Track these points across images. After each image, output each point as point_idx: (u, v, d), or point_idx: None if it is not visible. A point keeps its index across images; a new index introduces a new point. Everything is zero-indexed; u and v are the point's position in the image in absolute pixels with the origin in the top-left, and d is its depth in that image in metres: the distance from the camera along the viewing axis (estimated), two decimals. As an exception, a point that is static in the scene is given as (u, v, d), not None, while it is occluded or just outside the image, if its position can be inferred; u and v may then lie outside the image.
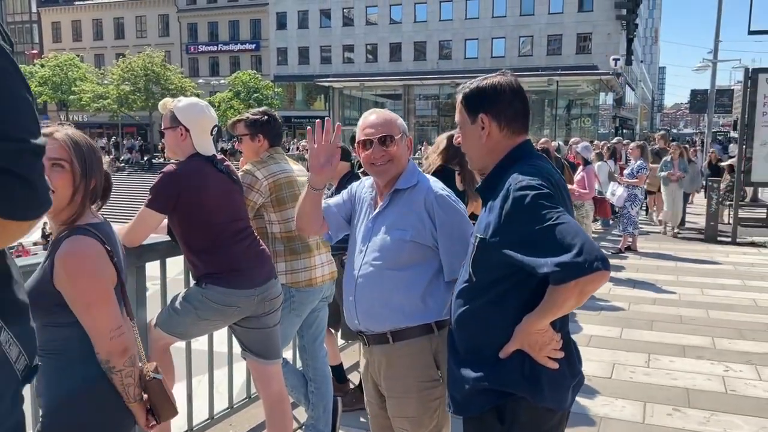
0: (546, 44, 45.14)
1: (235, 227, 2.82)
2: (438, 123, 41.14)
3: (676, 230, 11.23)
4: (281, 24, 52.29)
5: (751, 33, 8.84)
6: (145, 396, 1.90)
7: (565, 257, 1.61)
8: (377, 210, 2.31)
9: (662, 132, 14.92)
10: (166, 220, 2.79)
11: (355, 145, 2.33)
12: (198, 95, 44.95)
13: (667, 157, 11.25)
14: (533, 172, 1.79)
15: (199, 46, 55.60)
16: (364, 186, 2.47)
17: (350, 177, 3.95)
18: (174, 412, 1.98)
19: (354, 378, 4.39)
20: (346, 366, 4.38)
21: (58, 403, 1.80)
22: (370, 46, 49.93)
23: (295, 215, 2.47)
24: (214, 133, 2.86)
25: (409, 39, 48.65)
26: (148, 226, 2.70)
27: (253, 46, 53.71)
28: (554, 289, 1.69)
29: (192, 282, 2.90)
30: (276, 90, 47.12)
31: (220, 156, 2.89)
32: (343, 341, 4.60)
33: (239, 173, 3.08)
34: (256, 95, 44.32)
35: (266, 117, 3.25)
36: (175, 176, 2.68)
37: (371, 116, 2.31)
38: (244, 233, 2.86)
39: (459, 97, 1.96)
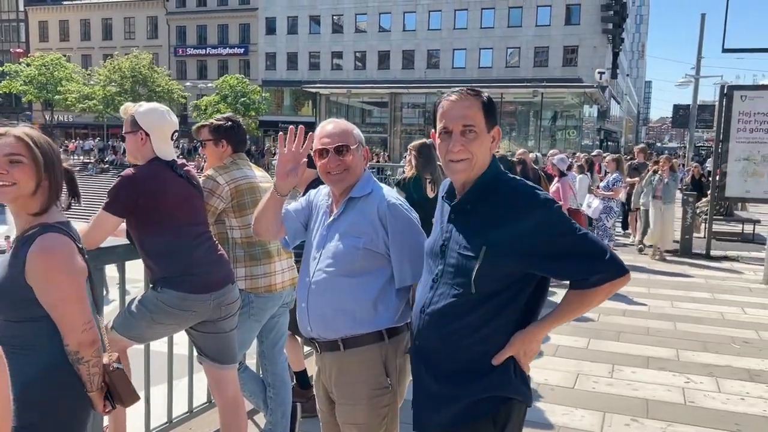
0: (533, 56, 45.60)
1: (193, 232, 2.84)
2: (424, 131, 41.22)
3: (664, 253, 10.10)
4: (270, 29, 52.34)
5: (725, 51, 9.02)
6: (107, 384, 2.02)
7: (603, 262, 1.80)
8: (332, 217, 2.34)
9: (641, 145, 14.44)
10: (125, 224, 2.81)
11: (312, 153, 2.36)
12: (185, 98, 45.16)
13: (654, 170, 10.43)
14: (533, 186, 1.91)
15: (188, 49, 55.47)
16: (321, 193, 2.50)
17: (316, 184, 3.97)
18: (137, 397, 2.12)
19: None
20: (310, 372, 4.39)
21: (21, 390, 1.84)
22: (358, 53, 50.14)
23: (254, 218, 2.47)
24: (174, 138, 2.89)
25: (397, 47, 48.92)
26: (106, 229, 2.72)
27: (242, 51, 53.68)
28: (583, 293, 1.83)
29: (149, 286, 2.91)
30: (263, 95, 47.09)
31: (180, 161, 2.91)
32: (309, 348, 4.61)
33: (201, 178, 3.10)
34: (243, 99, 44.29)
35: (230, 123, 3.28)
36: (134, 180, 2.70)
37: (328, 126, 2.34)
38: (202, 238, 2.87)
39: (477, 100, 1.90)
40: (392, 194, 2.33)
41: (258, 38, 52.72)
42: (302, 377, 4.19)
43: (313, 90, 44.08)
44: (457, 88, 1.92)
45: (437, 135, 1.93)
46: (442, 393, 1.91)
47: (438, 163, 5.29)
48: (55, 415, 1.92)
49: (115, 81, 44.25)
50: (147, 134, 2.78)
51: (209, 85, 48.17)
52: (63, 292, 1.88)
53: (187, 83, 50.92)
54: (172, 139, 2.87)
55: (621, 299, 7.28)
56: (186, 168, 2.93)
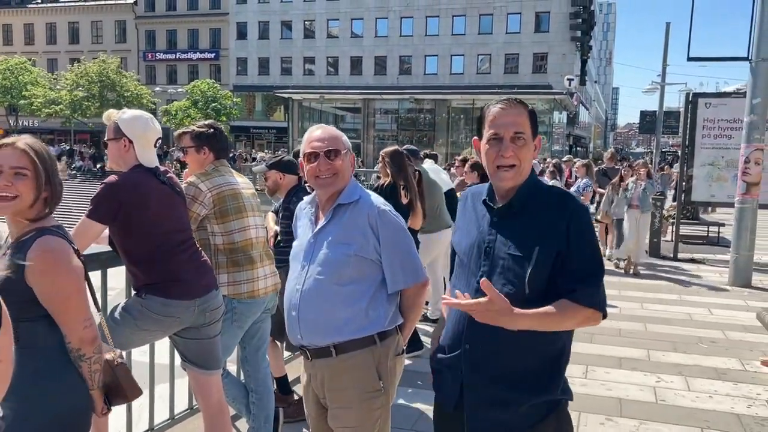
0: (503, 62, 46.19)
1: (177, 238, 2.86)
2: (397, 137, 41.41)
3: (638, 267, 9.47)
4: (242, 34, 52.07)
5: (690, 60, 9.29)
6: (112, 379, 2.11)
7: (600, 288, 1.89)
8: (319, 226, 2.35)
9: (611, 150, 13.80)
10: (107, 231, 2.81)
11: (300, 158, 2.38)
12: (155, 103, 44.57)
13: (631, 179, 9.77)
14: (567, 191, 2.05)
15: (157, 54, 54.83)
16: (301, 206, 2.53)
17: (297, 190, 4.01)
18: (139, 391, 2.24)
19: (298, 389, 4.42)
20: (290, 378, 4.41)
21: (21, 389, 1.84)
22: (331, 58, 50.17)
23: None
24: (157, 145, 2.90)
25: (369, 53, 49.09)
26: (89, 236, 2.71)
27: (213, 55, 53.27)
28: (576, 307, 1.85)
29: (132, 292, 2.91)
30: (235, 100, 46.78)
31: (163, 168, 2.93)
32: (289, 353, 4.63)
33: (183, 185, 3.12)
34: (214, 105, 43.90)
35: (212, 130, 3.30)
36: (117, 187, 2.70)
37: (317, 131, 2.37)
38: (185, 244, 2.89)
39: (525, 109, 1.97)
40: (380, 201, 2.37)
41: (229, 43, 52.39)
42: (283, 383, 4.22)
43: (286, 95, 43.95)
44: (504, 97, 2.00)
45: (485, 142, 1.97)
46: (500, 396, 1.92)
47: (416, 169, 5.37)
48: (56, 414, 1.94)
49: (82, 86, 43.48)
50: (130, 141, 2.79)
51: (179, 90, 47.62)
52: (63, 291, 1.94)
53: (157, 88, 50.28)
54: (155, 147, 2.89)
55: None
56: (169, 175, 2.94)
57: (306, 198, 2.53)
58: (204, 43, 53.73)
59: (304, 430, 3.92)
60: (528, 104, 2.01)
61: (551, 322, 1.86)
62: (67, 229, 2.10)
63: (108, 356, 2.13)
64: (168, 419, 3.63)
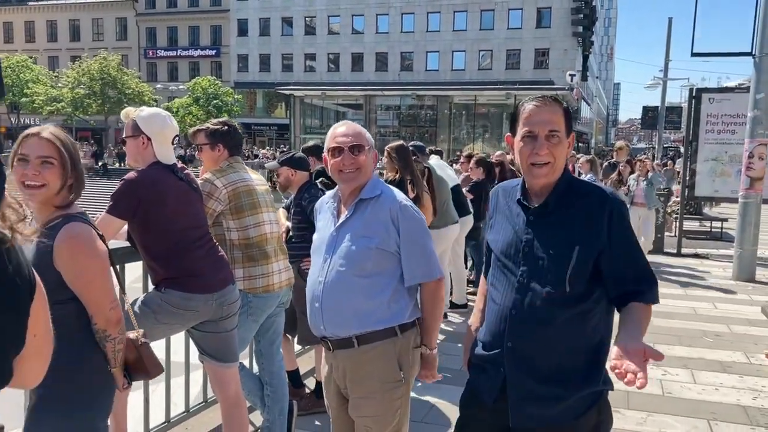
0: (505, 58, 46.15)
1: (194, 234, 2.90)
2: (399, 133, 41.47)
3: None
4: (242, 30, 52.06)
5: (693, 55, 9.32)
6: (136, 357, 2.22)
7: (655, 282, 1.94)
8: (341, 219, 2.40)
9: (623, 142, 12.37)
10: (126, 226, 2.86)
11: (324, 153, 2.43)
12: (156, 100, 44.60)
13: (632, 176, 9.53)
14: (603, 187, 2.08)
15: (158, 51, 54.85)
16: (323, 200, 2.59)
17: (308, 186, 4.06)
18: (161, 369, 2.36)
19: (309, 383, 4.49)
20: (302, 371, 4.47)
21: (56, 373, 1.88)
22: (332, 55, 50.15)
23: None
24: (175, 142, 2.95)
25: (371, 50, 49.06)
26: (109, 232, 2.75)
27: (214, 52, 53.29)
28: (645, 307, 1.91)
29: (150, 287, 2.97)
30: (236, 97, 46.81)
31: (180, 164, 2.97)
32: (300, 347, 4.69)
33: (199, 181, 3.17)
34: (215, 101, 43.96)
35: (226, 127, 3.35)
36: (136, 183, 2.75)
37: (342, 127, 2.42)
38: (203, 240, 2.94)
39: (560, 107, 1.99)
40: (402, 196, 2.43)
41: (230, 40, 52.38)
42: (295, 376, 4.27)
43: (287, 92, 43.99)
44: (539, 94, 2.01)
45: (519, 139, 1.98)
46: (544, 392, 1.95)
47: (422, 164, 5.41)
48: (82, 391, 2.03)
49: (83, 83, 43.52)
50: (148, 138, 2.83)
51: (181, 87, 47.69)
52: (91, 274, 2.02)
53: (158, 85, 50.36)
54: (172, 144, 2.93)
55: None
56: (186, 171, 2.99)
57: (328, 192, 2.58)
58: (205, 40, 53.73)
59: (316, 422, 3.98)
60: (563, 102, 2.04)
61: (645, 328, 1.92)
62: None
63: (132, 335, 2.22)
64: (183, 412, 3.69)
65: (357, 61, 49.54)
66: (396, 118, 46.79)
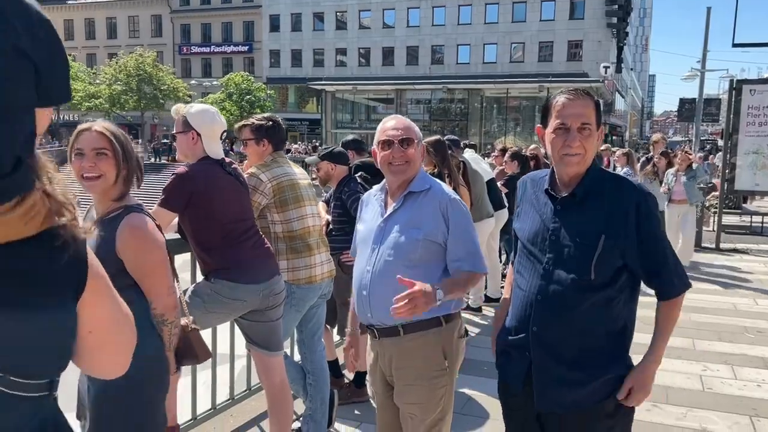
0: (537, 51, 45.56)
1: (242, 226, 3.00)
2: (430, 127, 41.38)
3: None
4: (274, 26, 52.40)
5: (735, 46, 9.13)
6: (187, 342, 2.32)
7: (680, 270, 2.01)
8: (390, 211, 2.47)
9: (659, 135, 11.91)
10: (176, 219, 2.97)
11: (374, 146, 2.50)
12: (190, 96, 45.25)
13: (670, 170, 8.84)
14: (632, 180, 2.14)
15: (192, 47, 55.63)
16: (371, 193, 2.66)
17: (348, 180, 4.13)
18: (209, 354, 2.49)
19: (349, 374, 4.56)
20: (341, 362, 4.55)
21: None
22: (362, 49, 50.16)
23: None
24: (223, 137, 3.04)
25: (401, 44, 48.92)
26: (161, 224, 2.87)
27: (246, 48, 53.81)
28: (672, 303, 2.04)
29: (199, 277, 3.07)
30: (268, 92, 47.23)
31: (228, 159, 3.07)
32: (339, 338, 4.77)
33: (245, 175, 3.26)
34: (248, 97, 44.40)
35: (271, 122, 3.43)
36: (187, 177, 2.85)
37: (392, 121, 2.48)
38: (250, 232, 3.03)
39: (591, 101, 2.05)
40: (451, 190, 2.49)
41: (262, 36, 52.81)
42: (334, 367, 4.35)
43: (319, 87, 44.19)
44: (572, 87, 2.09)
45: (551, 130, 2.06)
46: (568, 375, 2.03)
47: (457, 158, 5.44)
48: (143, 374, 2.08)
49: (120, 80, 44.39)
50: (198, 134, 2.93)
51: (214, 83, 48.30)
52: (152, 262, 2.15)
53: (192, 81, 51.06)
54: (220, 139, 3.03)
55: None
56: (233, 166, 3.08)
57: (376, 186, 2.64)
58: (238, 36, 54.30)
59: (356, 411, 4.06)
60: (594, 95, 2.08)
61: (672, 325, 2.07)
62: None
63: (182, 322, 2.34)
64: (228, 399, 3.81)
65: (388, 55, 49.47)
66: (427, 112, 46.66)
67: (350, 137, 4.97)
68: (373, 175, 4.48)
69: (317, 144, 38.69)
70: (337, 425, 3.80)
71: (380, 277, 2.39)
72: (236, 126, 3.51)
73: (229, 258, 2.92)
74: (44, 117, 1.10)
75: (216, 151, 2.98)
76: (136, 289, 2.13)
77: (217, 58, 55.20)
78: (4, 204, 0.99)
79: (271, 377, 3.14)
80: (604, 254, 1.96)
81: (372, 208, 2.59)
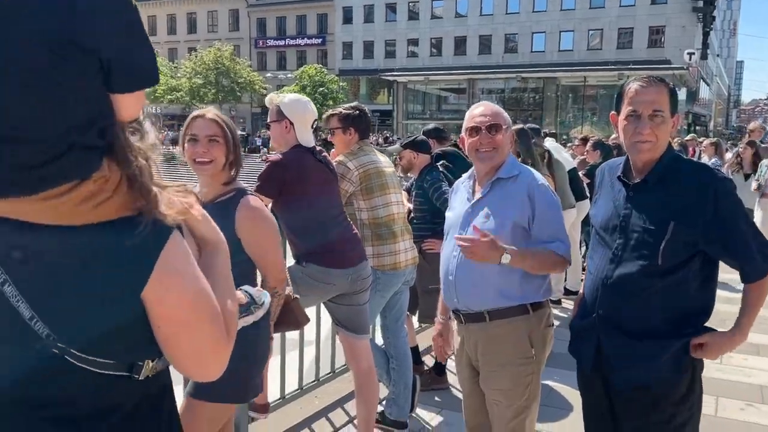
0: (616, 37, 43.96)
1: (332, 212, 3.09)
2: (502, 118, 40.72)
3: None
4: (347, 18, 52.86)
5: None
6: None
7: (766, 251, 2.00)
8: (477, 197, 2.48)
9: (757, 123, 10.67)
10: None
11: (462, 133, 2.52)
12: (266, 89, 46.34)
13: (764, 162, 7.76)
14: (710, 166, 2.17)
15: (268, 41, 56.90)
16: (460, 180, 2.68)
17: (430, 169, 4.16)
18: (308, 319, 2.65)
19: (428, 360, 4.61)
20: (421, 349, 4.60)
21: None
22: (434, 39, 49.85)
23: None
24: (314, 126, 3.13)
25: (474, 33, 48.28)
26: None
27: (320, 41, 54.55)
28: (758, 285, 2.02)
29: (290, 261, 3.18)
30: (341, 84, 47.76)
31: (318, 147, 3.16)
32: (419, 325, 4.82)
33: (333, 163, 3.34)
34: (321, 89, 45.06)
35: (357, 111, 3.50)
36: (281, 165, 2.96)
37: (480, 107, 2.50)
38: (339, 218, 3.12)
39: (665, 88, 2.05)
40: (540, 177, 2.47)
41: (335, 28, 53.40)
42: (414, 353, 4.40)
43: (391, 78, 44.28)
44: (645, 75, 2.08)
45: (623, 117, 2.07)
46: (638, 352, 2.07)
47: (541, 147, 5.36)
48: (252, 344, 2.23)
49: (200, 73, 45.97)
50: (291, 123, 3.02)
51: (289, 75, 49.29)
52: (269, 240, 2.31)
53: (268, 74, 52.26)
54: (311, 128, 3.12)
55: (724, 287, 7.06)
56: (323, 154, 3.17)
57: (465, 174, 2.65)
58: (312, 29, 55.11)
59: (436, 398, 4.11)
60: (669, 83, 2.06)
61: (759, 306, 2.05)
62: None
63: (286, 291, 2.49)
64: (314, 381, 3.93)
65: (460, 44, 48.96)
66: (499, 101, 45.83)
67: (431, 126, 4.99)
68: (455, 163, 4.49)
69: (388, 135, 38.83)
70: (418, 410, 3.86)
71: (466, 263, 2.40)
72: (324, 116, 3.60)
73: (319, 243, 3.01)
74: (130, 103, 1.08)
75: (308, 139, 3.07)
76: (249, 263, 2.28)
77: (291, 51, 56.24)
78: (52, 189, 0.99)
79: (358, 360, 3.22)
80: (674, 241, 1.96)
81: (460, 195, 2.61)
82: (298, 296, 2.56)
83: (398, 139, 32.39)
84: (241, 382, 2.27)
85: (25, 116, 0.98)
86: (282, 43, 56.41)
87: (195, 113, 2.31)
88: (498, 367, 2.44)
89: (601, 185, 2.27)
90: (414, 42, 50.61)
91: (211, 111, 2.30)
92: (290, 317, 2.45)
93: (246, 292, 1.84)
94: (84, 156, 1.02)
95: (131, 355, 1.10)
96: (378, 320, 3.74)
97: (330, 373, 4.09)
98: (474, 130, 2.44)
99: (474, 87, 44.42)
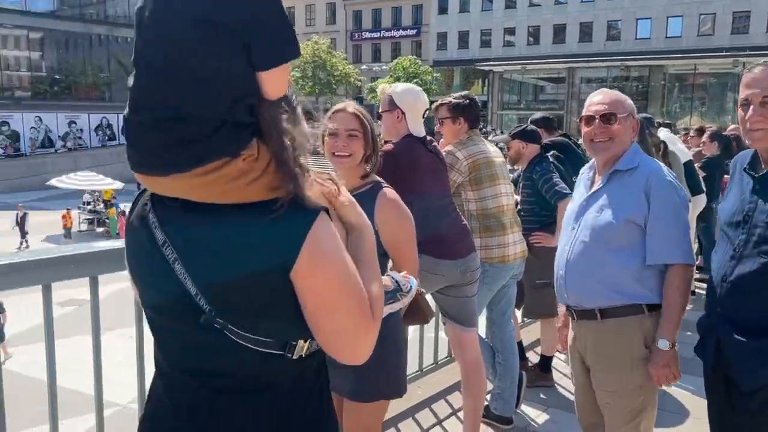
0: (731, 22, 41.00)
1: (442, 202, 3.06)
2: (602, 108, 39.10)
3: None
4: (442, 8, 52.44)
5: None
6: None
7: None
8: (593, 189, 2.38)
9: None
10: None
11: (579, 121, 2.42)
12: (360, 81, 46.96)
13: None
14: None
15: (363, 33, 57.54)
16: (582, 170, 2.58)
17: (540, 160, 4.04)
18: (433, 313, 2.60)
19: (532, 357, 4.51)
20: (525, 344, 4.50)
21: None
22: (531, 28, 48.49)
23: None
24: (425, 116, 3.11)
25: (574, 20, 46.52)
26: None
27: (414, 32, 54.54)
28: None
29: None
30: (434, 75, 47.58)
31: (429, 137, 3.14)
32: (522, 319, 4.72)
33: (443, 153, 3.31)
34: (415, 80, 45.05)
35: (468, 101, 3.45)
36: (392, 155, 2.95)
37: (598, 95, 2.39)
38: (449, 208, 3.09)
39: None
40: (665, 169, 2.33)
41: (430, 18, 53.15)
42: (519, 348, 4.31)
43: (486, 68, 43.61)
44: (762, 60, 1.94)
45: (738, 105, 1.97)
46: (760, 352, 1.93)
47: (657, 137, 5.08)
48: (394, 334, 2.30)
49: (297, 66, 47.19)
50: (402, 112, 3.01)
51: (384, 67, 49.66)
52: (407, 233, 2.30)
53: (363, 66, 52.88)
54: (422, 118, 3.10)
55: None
56: (433, 144, 3.14)
57: (587, 164, 2.56)
58: (407, 20, 55.18)
59: (541, 395, 4.01)
60: None
61: None
62: None
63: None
64: (417, 371, 3.95)
65: (558, 32, 47.32)
66: (600, 91, 44.16)
67: (538, 115, 4.84)
68: (566, 154, 4.35)
69: (482, 126, 38.31)
70: (523, 407, 3.78)
71: (576, 258, 2.33)
72: (433, 106, 3.57)
73: (429, 233, 2.98)
74: (274, 79, 1.11)
75: (418, 129, 3.05)
76: (383, 258, 2.27)
77: (386, 43, 56.59)
78: (203, 166, 1.05)
79: (466, 352, 3.18)
80: None
81: (580, 187, 2.52)
82: (423, 290, 2.52)
83: (492, 130, 31.89)
84: (400, 376, 2.36)
85: (184, 94, 1.04)
86: (377, 35, 56.86)
87: (336, 107, 2.31)
88: (608, 368, 2.35)
89: (732, 178, 2.14)
90: (510, 31, 49.47)
91: (351, 105, 2.29)
92: (417, 311, 2.42)
93: (392, 278, 1.82)
94: (234, 133, 1.06)
95: (284, 334, 1.15)
96: (484, 313, 3.69)
97: (433, 364, 4.09)
98: (589, 119, 2.34)
99: (573, 76, 42.91)
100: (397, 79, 45.20)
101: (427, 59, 51.43)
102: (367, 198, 2.20)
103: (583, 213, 2.37)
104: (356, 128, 2.24)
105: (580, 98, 42.15)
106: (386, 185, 2.30)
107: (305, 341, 1.17)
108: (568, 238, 2.41)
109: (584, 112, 2.38)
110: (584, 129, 2.36)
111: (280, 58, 1.10)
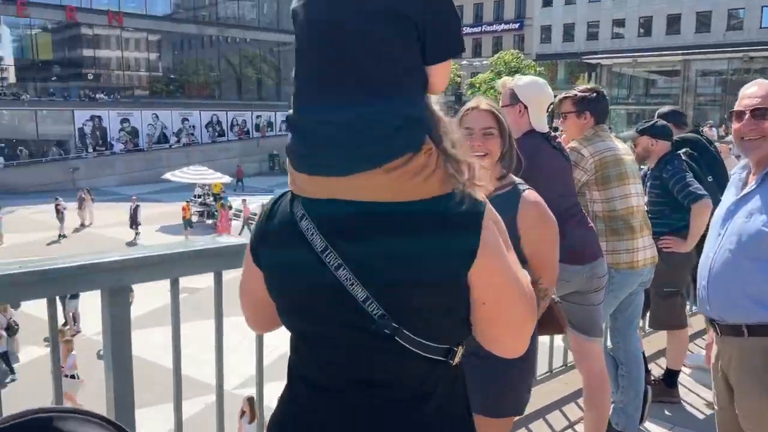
0: None
1: (566, 203, 2.86)
2: (722, 102, 36.60)
3: None
4: (547, 1, 50.96)
5: None
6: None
7: None
8: (743, 192, 2.16)
9: None
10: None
11: (729, 116, 2.22)
12: (460, 76, 46.51)
13: None
14: None
15: (465, 28, 56.91)
16: (734, 169, 2.36)
17: (670, 158, 3.73)
18: (567, 324, 2.45)
19: (654, 369, 4.20)
20: (647, 354, 4.19)
21: None
22: (643, 19, 46.07)
23: None
24: (549, 110, 2.92)
25: (690, 9, 43.72)
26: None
27: (517, 26, 53.35)
28: None
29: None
30: (537, 69, 46.28)
31: (553, 133, 2.95)
32: (643, 328, 4.40)
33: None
34: (517, 75, 44.08)
35: (595, 94, 3.24)
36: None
37: (753, 87, 2.17)
38: (573, 209, 2.88)
39: None
40: None
41: (533, 11, 51.76)
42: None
43: (594, 61, 41.92)
44: None
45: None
46: None
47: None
48: (531, 349, 2.13)
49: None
50: (525, 107, 2.85)
51: (484, 62, 48.93)
52: (549, 236, 2.14)
53: (463, 62, 52.33)
54: (546, 112, 2.91)
55: None
56: (558, 140, 2.96)
57: (739, 164, 2.31)
58: (509, 14, 54.08)
59: (666, 411, 3.73)
60: None
61: None
62: None
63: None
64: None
65: (673, 23, 44.65)
66: (718, 84, 41.31)
67: (666, 108, 4.49)
68: (699, 151, 4.01)
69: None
70: (647, 424, 3.51)
71: (720, 268, 2.12)
72: (557, 99, 3.37)
73: (554, 236, 2.82)
74: (440, 74, 1.12)
75: (542, 124, 2.87)
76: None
77: (487, 38, 55.72)
78: (392, 161, 1.04)
79: (589, 363, 2.97)
80: None
81: (731, 189, 2.28)
82: (559, 299, 2.36)
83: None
84: (526, 392, 2.27)
85: (371, 89, 1.05)
86: (478, 29, 56.08)
87: (469, 104, 2.19)
88: (749, 389, 2.11)
89: None
90: (620, 22, 47.23)
91: (484, 101, 2.16)
92: (552, 321, 2.27)
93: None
94: (416, 127, 1.07)
95: (451, 339, 1.14)
96: (608, 322, 3.45)
97: (547, 372, 3.88)
98: (739, 115, 2.12)
99: (689, 69, 40.37)
100: (498, 74, 44.44)
101: (530, 53, 50.15)
102: (508, 201, 2.07)
103: (730, 218, 2.16)
104: (492, 126, 2.11)
105: (695, 93, 39.73)
106: (527, 186, 2.15)
107: (461, 346, 1.16)
108: (713, 245, 2.20)
109: (735, 107, 2.16)
110: (734, 125, 2.16)
111: (449, 52, 1.11)
